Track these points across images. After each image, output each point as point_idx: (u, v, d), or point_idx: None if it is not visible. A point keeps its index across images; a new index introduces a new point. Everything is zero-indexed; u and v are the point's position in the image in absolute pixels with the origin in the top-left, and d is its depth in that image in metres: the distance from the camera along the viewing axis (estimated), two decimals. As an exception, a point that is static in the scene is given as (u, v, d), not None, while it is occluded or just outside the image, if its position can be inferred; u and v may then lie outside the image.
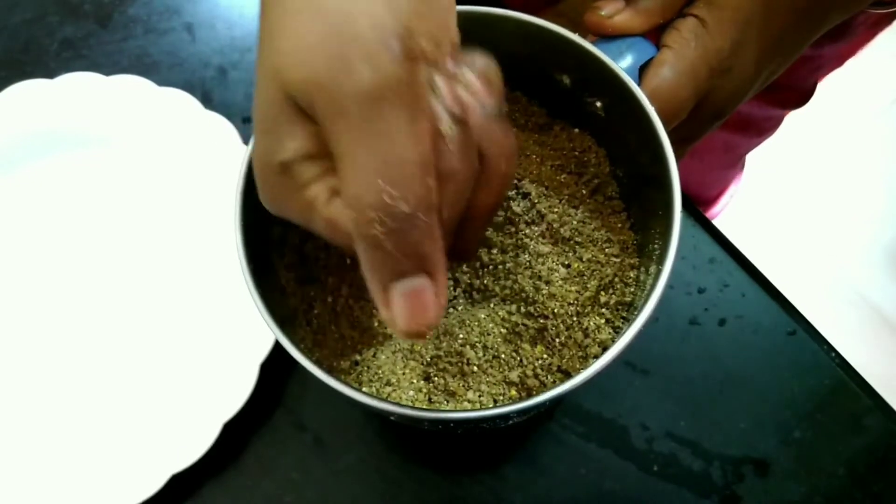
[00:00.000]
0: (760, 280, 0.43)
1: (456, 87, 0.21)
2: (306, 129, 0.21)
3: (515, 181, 0.34)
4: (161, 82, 0.47)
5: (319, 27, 0.19)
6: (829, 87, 0.78)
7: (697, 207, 0.45)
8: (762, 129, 0.69)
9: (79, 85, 0.47)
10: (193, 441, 0.38)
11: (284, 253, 0.33)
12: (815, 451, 0.39)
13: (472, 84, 0.21)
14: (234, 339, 0.40)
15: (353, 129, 0.19)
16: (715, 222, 1.03)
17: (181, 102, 0.46)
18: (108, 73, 0.48)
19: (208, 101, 0.49)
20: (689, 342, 0.42)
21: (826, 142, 1.26)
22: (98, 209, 0.46)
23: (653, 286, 0.27)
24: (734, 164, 0.86)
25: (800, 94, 0.62)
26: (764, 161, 1.16)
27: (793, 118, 0.73)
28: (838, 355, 0.40)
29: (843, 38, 0.55)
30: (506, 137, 0.22)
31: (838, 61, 0.67)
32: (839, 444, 0.39)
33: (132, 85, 0.46)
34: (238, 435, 0.40)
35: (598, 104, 0.31)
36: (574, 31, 0.30)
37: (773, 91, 0.60)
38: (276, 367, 0.40)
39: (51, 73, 0.48)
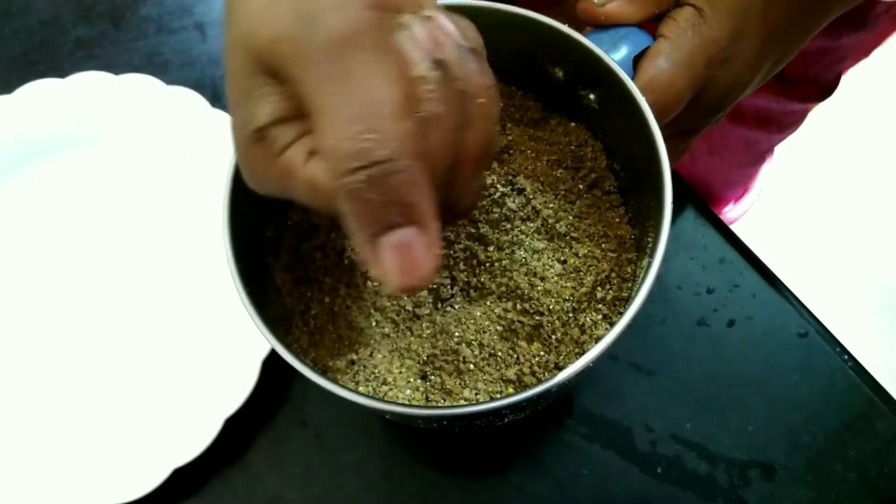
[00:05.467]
0: (772, 280, 0.41)
1: (430, 27, 0.21)
2: (277, 91, 0.21)
3: (510, 177, 0.33)
4: (172, 81, 0.48)
5: None
6: (858, 80, 0.75)
7: (712, 209, 0.44)
8: (783, 124, 0.67)
9: (89, 84, 0.47)
10: (195, 436, 0.38)
11: (280, 254, 0.33)
12: (825, 456, 0.38)
13: (445, 26, 0.21)
14: (236, 335, 0.41)
15: (325, 78, 0.19)
16: (741, 221, 1.01)
17: (189, 101, 0.47)
18: (119, 72, 0.48)
19: (217, 100, 0.49)
20: (696, 343, 0.41)
21: (855, 137, 1.22)
22: (105, 206, 0.46)
23: (643, 278, 0.26)
24: (757, 161, 0.84)
25: (821, 88, 0.60)
26: (791, 159, 1.14)
27: (820, 113, 0.72)
28: (851, 357, 0.39)
29: (864, 29, 0.53)
30: (484, 74, 0.22)
31: (863, 52, 0.65)
32: (850, 448, 0.38)
33: (141, 84, 0.47)
34: (241, 431, 0.40)
35: (592, 96, 0.31)
36: (570, 23, 0.30)
37: (792, 84, 0.59)
38: (280, 364, 0.40)
39: (64, 73, 0.49)
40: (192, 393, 0.40)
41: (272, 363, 0.40)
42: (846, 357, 0.39)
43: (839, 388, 0.39)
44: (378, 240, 0.20)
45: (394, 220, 0.19)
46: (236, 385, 0.39)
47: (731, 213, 1.02)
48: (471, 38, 0.22)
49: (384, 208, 0.19)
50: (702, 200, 0.43)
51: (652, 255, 0.26)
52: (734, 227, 0.68)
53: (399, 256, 0.20)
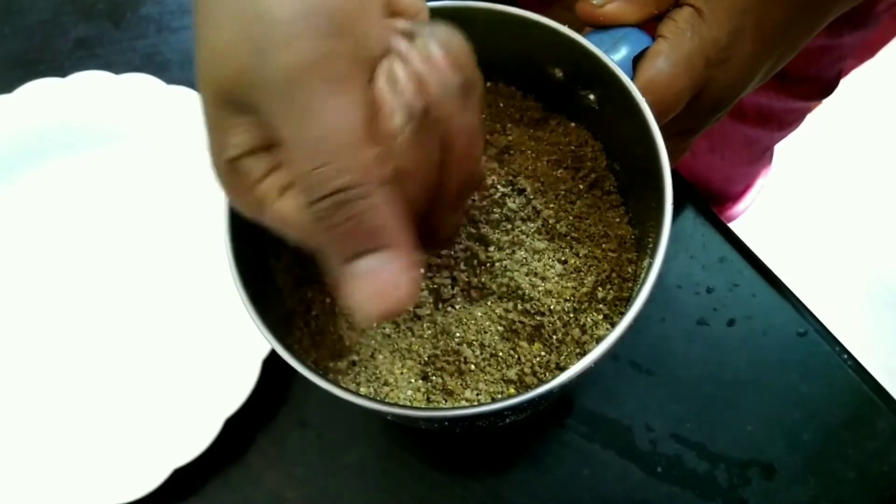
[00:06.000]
0: (771, 280, 0.41)
1: (415, 63, 0.20)
2: (246, 122, 0.21)
3: (511, 177, 0.33)
4: (172, 81, 0.48)
5: (238, 20, 0.20)
6: (859, 77, 0.75)
7: (713, 206, 0.44)
8: (784, 122, 0.67)
9: (89, 83, 0.47)
10: (196, 436, 0.38)
11: (281, 255, 0.33)
12: (824, 455, 0.38)
13: (433, 57, 0.21)
14: (236, 335, 0.41)
15: (282, 110, 0.19)
16: (742, 218, 1.01)
17: (189, 101, 0.47)
18: (120, 71, 0.48)
19: (218, 99, 0.49)
20: (696, 343, 0.41)
21: (858, 136, 1.22)
22: (105, 206, 0.46)
23: (644, 280, 0.26)
24: (758, 158, 0.84)
25: (822, 86, 0.60)
26: (792, 156, 1.14)
27: (823, 112, 0.71)
28: (850, 357, 0.39)
29: (865, 27, 0.53)
30: (469, 113, 0.21)
31: (867, 51, 0.65)
32: (849, 448, 0.38)
33: (141, 83, 0.47)
34: (242, 431, 0.40)
35: (592, 97, 0.31)
36: (569, 22, 0.30)
37: (792, 83, 0.59)
38: (280, 364, 0.40)
39: (65, 73, 0.48)
40: (193, 393, 0.40)
41: (272, 363, 0.40)
42: (846, 356, 0.39)
43: (839, 388, 0.39)
44: (350, 266, 0.20)
45: (362, 245, 0.19)
46: (237, 385, 0.39)
47: (732, 211, 1.02)
48: (462, 63, 0.21)
49: (353, 234, 0.19)
50: (701, 199, 0.43)
51: (653, 256, 0.26)
52: (735, 225, 0.68)
53: (370, 283, 0.20)
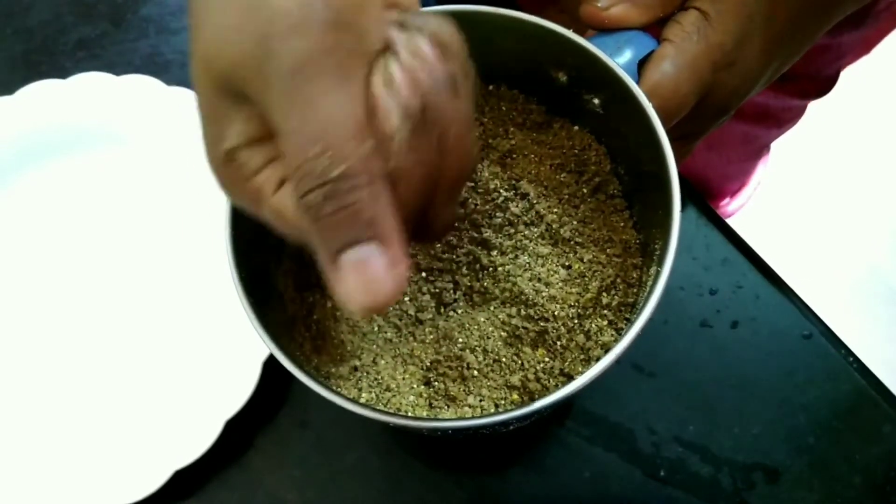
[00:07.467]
0: (775, 281, 0.41)
1: (408, 61, 0.20)
2: (244, 113, 0.21)
3: (514, 181, 0.33)
4: (173, 81, 0.48)
5: (237, 9, 0.19)
6: (856, 74, 0.75)
7: (709, 203, 0.44)
8: (782, 120, 0.67)
9: (89, 85, 0.47)
10: (196, 438, 0.38)
11: (282, 259, 0.33)
12: (830, 460, 0.38)
13: (421, 52, 0.20)
14: (236, 336, 0.41)
15: (286, 101, 0.19)
16: (738, 215, 1.01)
17: (189, 101, 0.46)
18: (120, 72, 0.48)
19: (218, 100, 0.49)
20: (699, 345, 0.40)
21: (855, 132, 1.22)
22: (106, 207, 0.46)
23: (652, 288, 0.26)
24: (756, 155, 0.84)
25: (820, 84, 0.60)
26: (788, 153, 1.13)
27: (819, 108, 0.71)
28: (856, 360, 0.39)
29: (864, 26, 0.53)
30: (461, 104, 0.21)
31: (864, 48, 0.65)
32: (856, 452, 0.38)
33: (141, 85, 0.47)
34: (242, 432, 0.40)
35: (595, 101, 0.30)
36: (573, 25, 0.30)
37: (791, 81, 0.59)
38: (280, 365, 0.40)
39: (66, 73, 0.48)
40: (193, 395, 0.40)
41: (273, 364, 0.40)
42: (851, 359, 0.39)
43: (844, 391, 0.39)
44: (339, 257, 0.19)
45: (353, 236, 0.19)
46: (237, 386, 0.39)
47: (729, 208, 1.02)
48: (452, 53, 0.21)
49: (344, 225, 0.19)
50: (704, 200, 0.43)
51: (660, 264, 0.26)
52: (732, 221, 0.68)
53: (358, 273, 0.19)
